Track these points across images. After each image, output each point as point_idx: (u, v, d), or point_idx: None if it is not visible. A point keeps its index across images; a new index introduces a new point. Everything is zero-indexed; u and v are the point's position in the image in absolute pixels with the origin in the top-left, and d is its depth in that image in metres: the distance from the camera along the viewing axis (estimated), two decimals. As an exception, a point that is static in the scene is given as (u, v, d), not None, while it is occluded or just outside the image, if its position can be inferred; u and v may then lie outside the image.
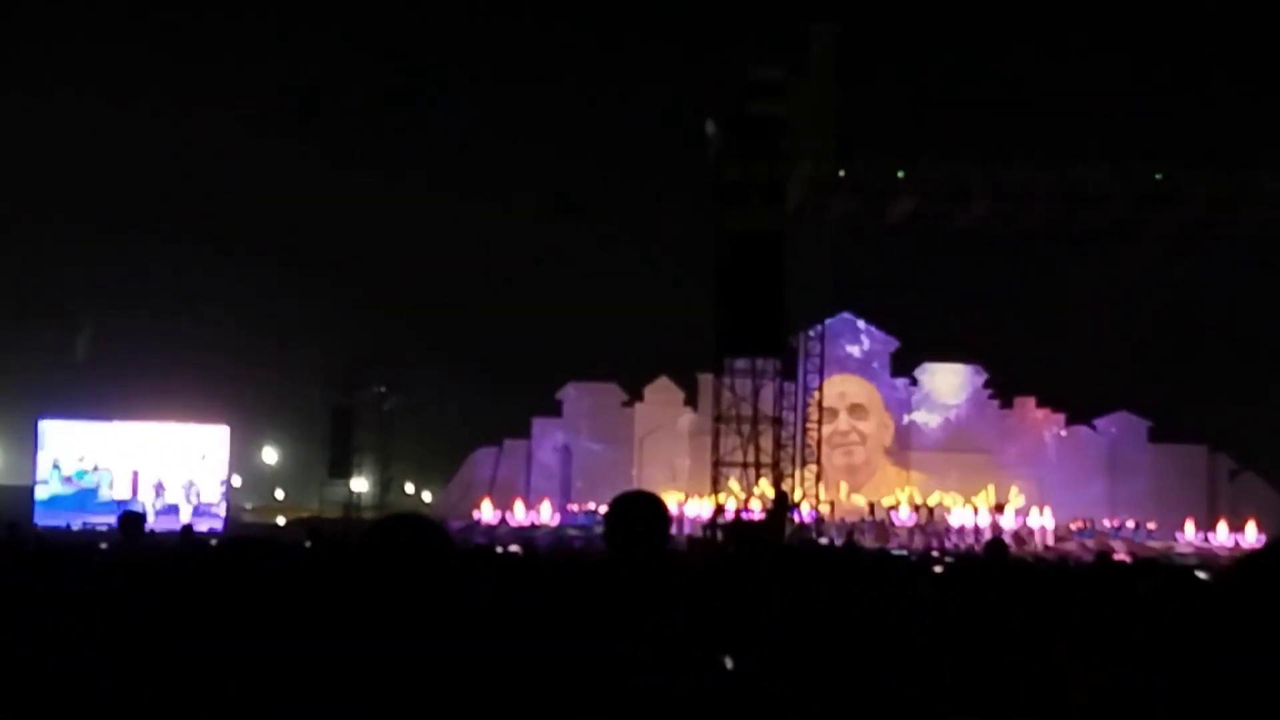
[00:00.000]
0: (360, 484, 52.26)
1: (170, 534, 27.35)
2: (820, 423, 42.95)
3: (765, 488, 40.26)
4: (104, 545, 20.91)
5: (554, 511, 47.92)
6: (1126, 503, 50.54)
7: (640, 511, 5.28)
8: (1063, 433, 53.59)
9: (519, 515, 47.51)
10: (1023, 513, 47.48)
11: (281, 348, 60.89)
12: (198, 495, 46.90)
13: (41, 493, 46.35)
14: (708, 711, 4.66)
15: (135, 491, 46.11)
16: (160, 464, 46.89)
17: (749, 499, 40.03)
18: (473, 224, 65.85)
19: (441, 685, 3.30)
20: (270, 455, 62.70)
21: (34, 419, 47.71)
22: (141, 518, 14.78)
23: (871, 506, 47.20)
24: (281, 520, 51.29)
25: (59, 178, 63.77)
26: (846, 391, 51.28)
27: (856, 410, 52.14)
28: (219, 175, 65.88)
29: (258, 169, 67.05)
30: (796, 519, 41.17)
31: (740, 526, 38.84)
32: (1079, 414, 53.51)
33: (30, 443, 47.48)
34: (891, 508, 47.02)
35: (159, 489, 46.48)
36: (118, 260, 62.99)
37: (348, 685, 3.31)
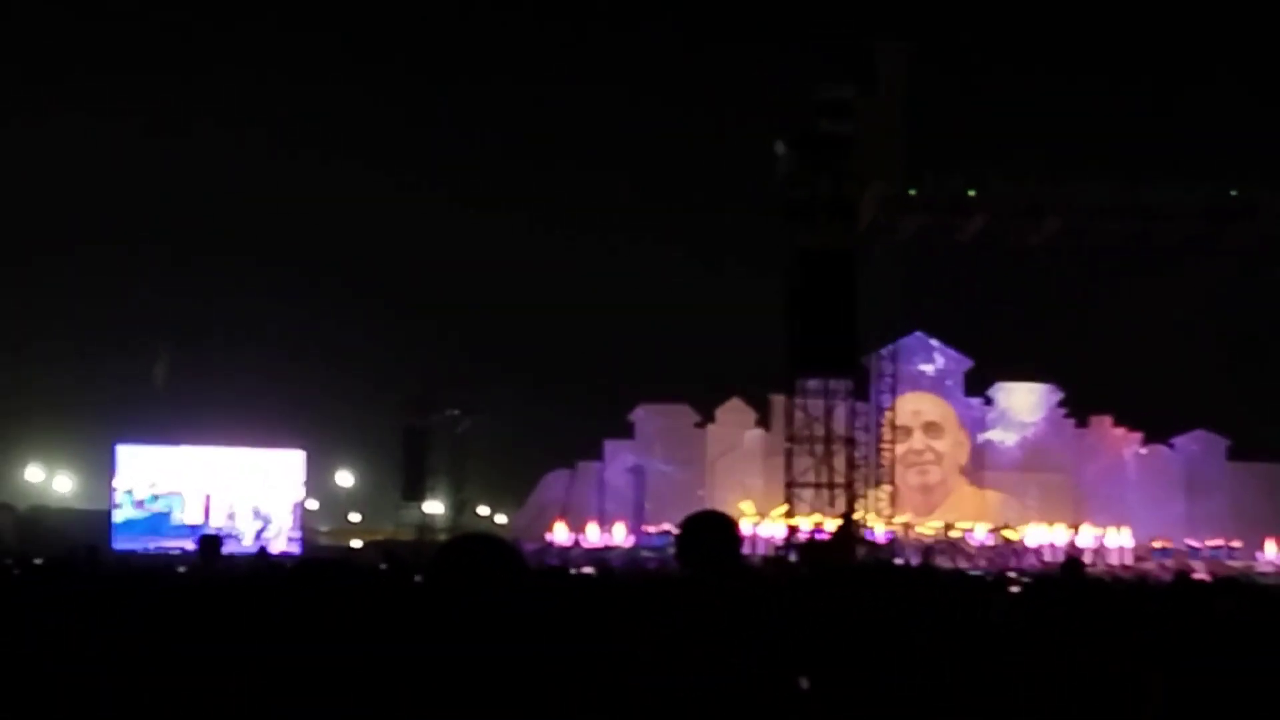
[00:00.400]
0: (434, 506, 52.46)
1: (245, 556, 27.57)
2: (894, 442, 42.76)
3: (846, 508, 40.09)
4: (181, 569, 21.10)
5: (628, 533, 47.88)
6: (1205, 521, 49.91)
7: (712, 531, 5.27)
8: (1141, 451, 53.02)
9: (592, 537, 47.50)
10: (1099, 536, 47.02)
11: (356, 372, 61.26)
12: (268, 519, 47.14)
13: (116, 517, 46.79)
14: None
15: (207, 516, 46.46)
16: (232, 488, 47.21)
17: (823, 520, 39.87)
18: (544, 246, 66.07)
19: (519, 701, 3.31)
20: (345, 478, 63.03)
21: (111, 444, 48.16)
22: (220, 540, 14.97)
23: (947, 527, 46.86)
24: (357, 543, 51.54)
25: (136, 207, 64.52)
26: (921, 410, 50.98)
27: (931, 428, 51.79)
28: (293, 204, 66.43)
29: (332, 197, 67.61)
30: (870, 539, 41.01)
31: (813, 547, 38.70)
32: (1156, 432, 52.93)
33: (108, 468, 47.93)
34: (967, 530, 46.68)
35: (231, 513, 46.79)
36: (194, 288, 63.67)
37: (425, 699, 3.33)
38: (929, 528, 47.30)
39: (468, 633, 3.46)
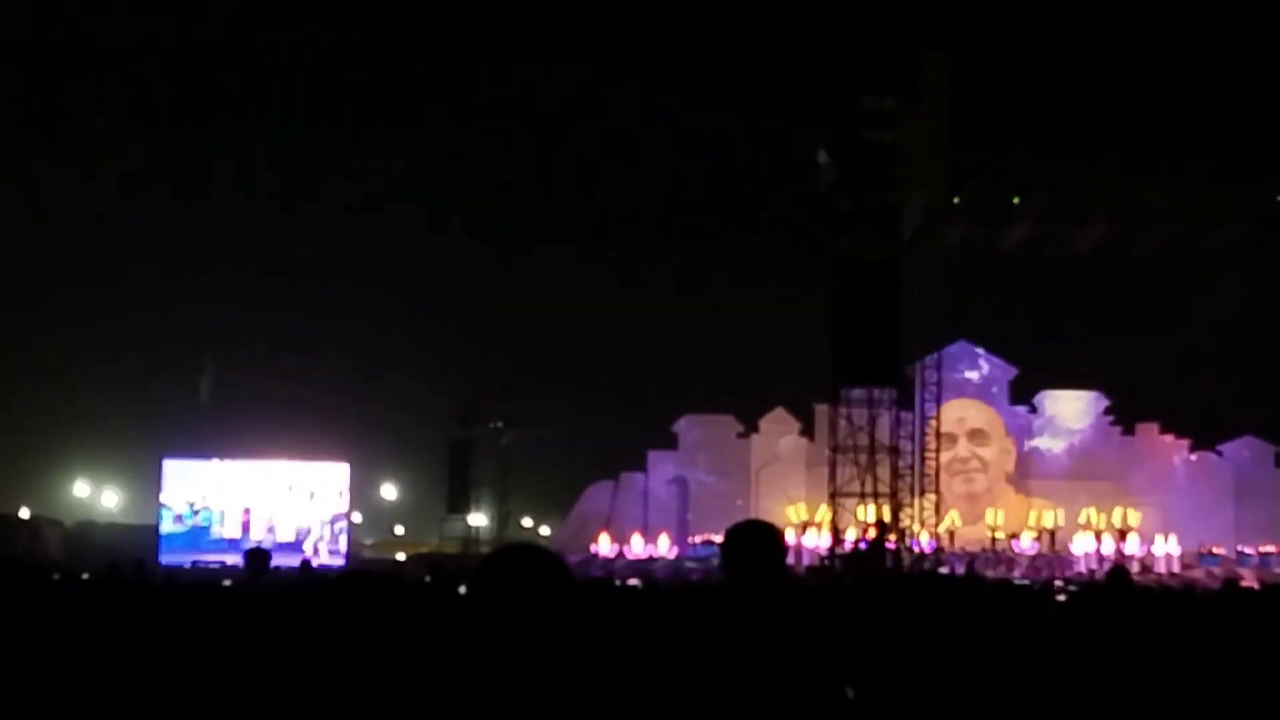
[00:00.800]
0: (478, 519, 52.57)
1: (289, 570, 27.64)
2: (938, 451, 42.57)
3: (877, 516, 39.95)
4: (227, 582, 21.21)
5: (671, 544, 47.84)
6: (1254, 529, 49.55)
7: (756, 540, 5.26)
8: (1189, 458, 52.68)
9: (636, 548, 47.48)
10: (1148, 540, 46.71)
11: (400, 385, 61.50)
12: (306, 532, 47.18)
13: (163, 531, 46.95)
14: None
15: (246, 530, 46.59)
16: (272, 502, 47.27)
17: (866, 529, 39.75)
18: (587, 258, 66.20)
19: (559, 706, 3.31)
20: (390, 491, 63.23)
21: (159, 459, 48.42)
22: (267, 555, 15.10)
23: (994, 538, 46.65)
24: (401, 556, 51.68)
25: (183, 224, 64.99)
26: (966, 417, 50.75)
27: (976, 435, 51.55)
28: (333, 217, 66.78)
29: (378, 215, 67.91)
30: (915, 549, 40.86)
31: (856, 557, 38.60)
32: (1204, 439, 52.59)
33: (155, 483, 48.17)
34: (1013, 536, 46.43)
35: (270, 527, 46.87)
36: (240, 304, 64.04)
37: (466, 705, 3.32)
38: (974, 537, 47.10)
39: (512, 640, 3.46)
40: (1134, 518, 47.40)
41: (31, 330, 61.45)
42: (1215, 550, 47.20)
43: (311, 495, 47.66)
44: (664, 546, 47.65)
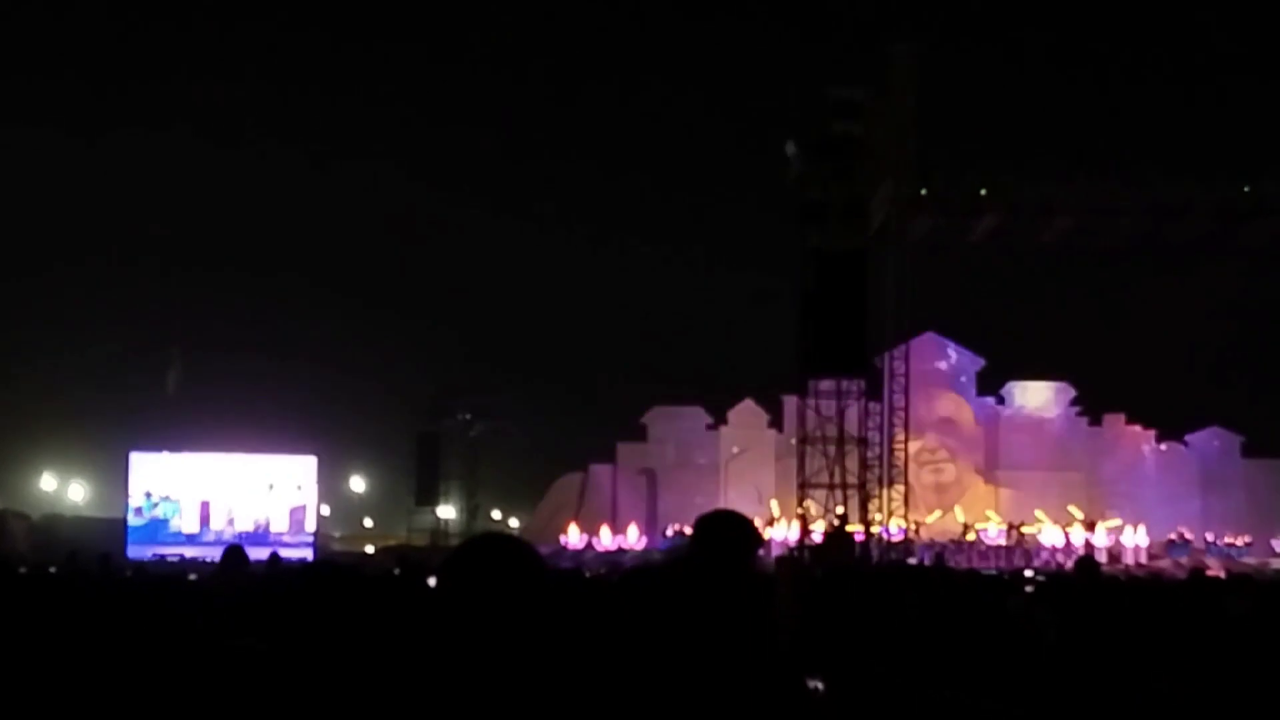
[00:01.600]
0: (447, 511, 52.47)
1: (259, 563, 27.49)
2: (906, 442, 42.69)
3: (843, 507, 40.02)
4: (192, 576, 21.10)
5: (640, 535, 47.89)
6: (1220, 518, 49.82)
7: (728, 530, 5.24)
8: (1159, 448, 52.87)
9: (605, 540, 47.48)
10: (1115, 530, 46.93)
11: (369, 378, 61.33)
12: (267, 524, 46.81)
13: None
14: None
15: (205, 522, 46.28)
16: (232, 494, 46.86)
17: (833, 521, 39.82)
18: (555, 250, 66.14)
19: (531, 700, 3.29)
20: (358, 484, 63.06)
21: (126, 452, 48.13)
22: (244, 552, 14.96)
23: (966, 527, 46.83)
24: (370, 548, 51.56)
25: (147, 217, 64.65)
26: (935, 407, 50.89)
27: (945, 425, 51.72)
28: (303, 212, 66.54)
29: (341, 205, 67.71)
30: (886, 538, 40.95)
31: (824, 548, 38.63)
32: (1170, 430, 52.82)
33: (123, 476, 47.88)
34: (981, 529, 46.62)
35: (230, 519, 46.52)
36: (207, 295, 63.81)
37: (440, 700, 3.31)
38: (942, 528, 47.26)
39: (485, 634, 3.43)
40: (1102, 512, 47.70)
41: (-4, 323, 61.14)
42: (1185, 536, 47.43)
43: (270, 487, 47.25)
44: (633, 537, 47.67)
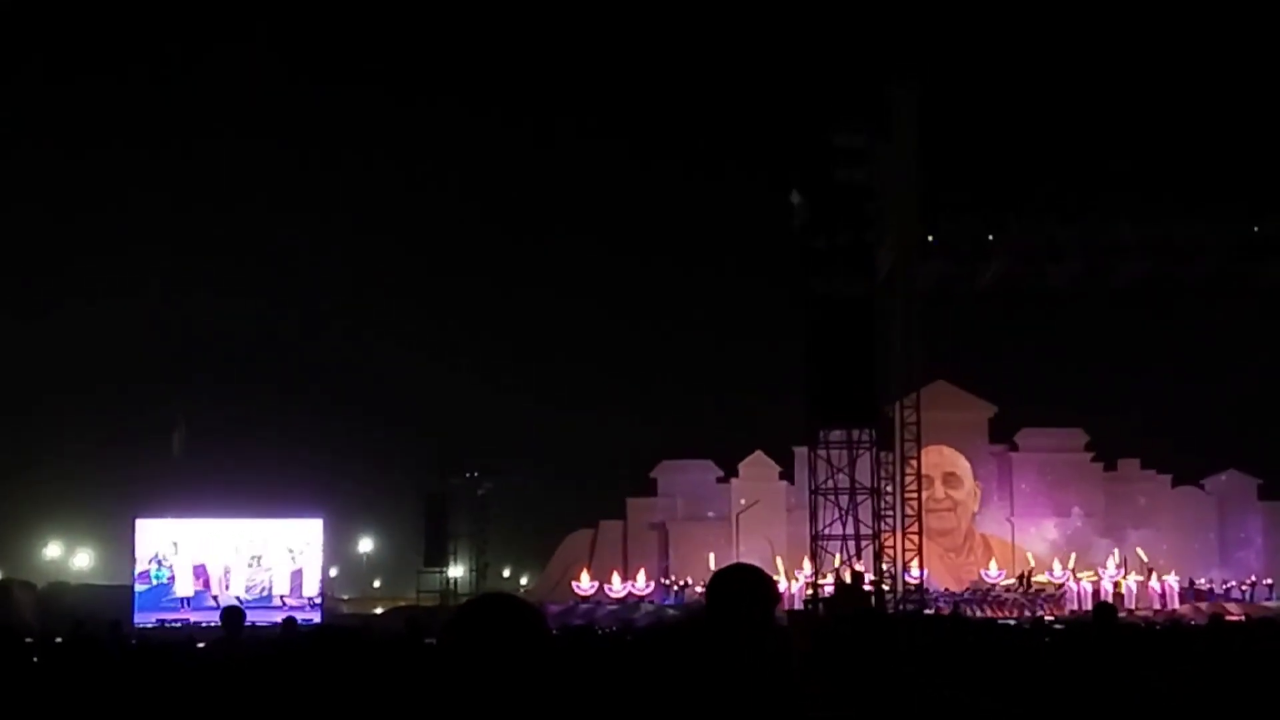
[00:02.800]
0: (456, 570, 52.20)
1: (270, 626, 27.21)
2: (919, 491, 42.35)
3: (856, 559, 39.69)
4: (201, 644, 20.80)
5: (648, 581, 48.08)
6: (1238, 562, 49.47)
7: (745, 586, 5.00)
8: (1172, 493, 52.45)
9: (616, 586, 47.74)
10: (1139, 575, 46.64)
11: (375, 438, 61.20)
12: (267, 586, 46.37)
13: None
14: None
15: (207, 587, 45.85)
16: (231, 559, 46.39)
17: (844, 572, 39.46)
18: (562, 307, 66.10)
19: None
20: (366, 545, 62.84)
21: (131, 518, 47.86)
22: (242, 613, 14.89)
23: (982, 584, 46.69)
24: (379, 610, 51.26)
25: (147, 269, 64.68)
26: (941, 462, 50.76)
27: (950, 479, 51.61)
28: (304, 269, 66.58)
29: (347, 265, 67.70)
30: (900, 588, 40.59)
31: (838, 600, 38.23)
32: (1186, 474, 52.44)
33: (129, 542, 47.57)
34: (997, 580, 46.56)
35: (226, 583, 46.05)
36: (212, 359, 63.72)
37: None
38: (947, 574, 47.20)
39: (486, 694, 3.25)
40: (1122, 563, 47.55)
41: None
42: (1202, 585, 47.08)
43: (257, 560, 46.70)
44: (642, 582, 47.93)
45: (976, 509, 52.12)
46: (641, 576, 48.05)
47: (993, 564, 47.58)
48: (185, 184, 67.00)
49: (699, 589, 46.25)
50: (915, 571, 41.29)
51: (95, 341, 62.84)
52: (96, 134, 66.48)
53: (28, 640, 19.28)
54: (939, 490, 50.64)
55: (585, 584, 47.75)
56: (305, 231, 65.36)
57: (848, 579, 37.52)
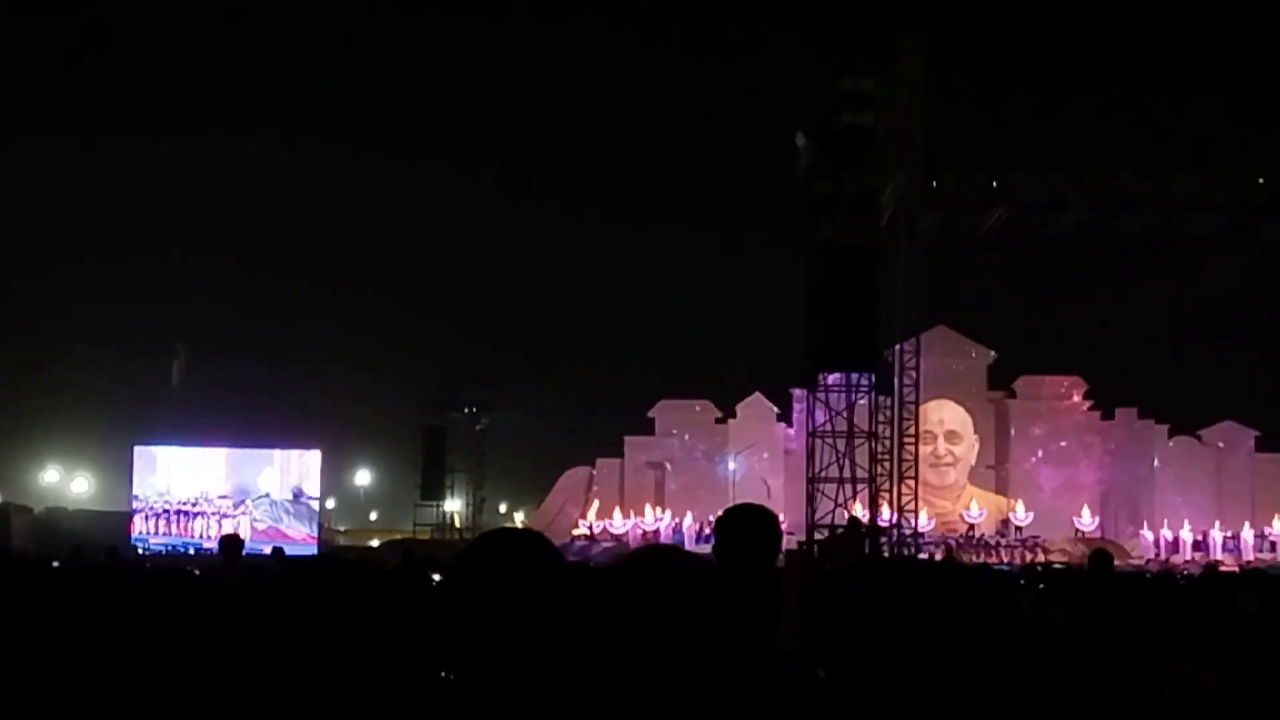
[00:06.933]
0: (453, 505, 52.33)
1: (262, 556, 27.26)
2: (917, 438, 42.34)
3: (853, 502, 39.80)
4: (195, 570, 20.90)
5: (655, 518, 48.30)
6: (1234, 513, 49.54)
7: (752, 526, 5.05)
8: (1169, 444, 52.41)
9: (618, 522, 48.05)
10: (1133, 524, 46.87)
11: (374, 372, 61.21)
12: (252, 513, 46.26)
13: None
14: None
15: (193, 515, 45.80)
16: (226, 486, 46.34)
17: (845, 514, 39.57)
18: (564, 243, 65.94)
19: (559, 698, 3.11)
20: (364, 478, 62.94)
21: (130, 445, 47.91)
22: (240, 541, 15.05)
23: (970, 527, 46.86)
24: (375, 542, 51.41)
25: (152, 214, 64.56)
26: (944, 418, 50.85)
27: (952, 436, 51.65)
28: (310, 207, 66.41)
29: (349, 200, 67.54)
30: (894, 533, 40.71)
31: (832, 542, 38.36)
32: (1183, 425, 52.42)
33: (127, 469, 47.62)
34: (977, 520, 47.05)
35: (219, 512, 45.99)
36: (212, 291, 63.67)
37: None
38: (942, 520, 47.47)
39: (500, 631, 3.25)
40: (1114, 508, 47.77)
41: (1, 318, 61.05)
42: (1196, 535, 47.30)
43: (267, 479, 46.67)
44: (649, 519, 48.15)
45: (974, 463, 52.18)
46: (649, 513, 48.36)
47: (974, 504, 47.82)
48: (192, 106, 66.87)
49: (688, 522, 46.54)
50: (912, 520, 41.40)
51: (96, 271, 62.93)
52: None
53: (22, 562, 19.37)
54: (940, 447, 50.76)
55: (592, 519, 48.12)
56: (307, 157, 65.12)
57: (848, 522, 37.66)
